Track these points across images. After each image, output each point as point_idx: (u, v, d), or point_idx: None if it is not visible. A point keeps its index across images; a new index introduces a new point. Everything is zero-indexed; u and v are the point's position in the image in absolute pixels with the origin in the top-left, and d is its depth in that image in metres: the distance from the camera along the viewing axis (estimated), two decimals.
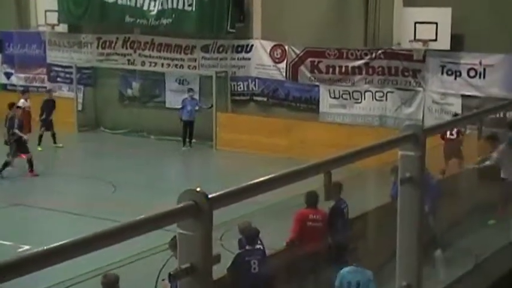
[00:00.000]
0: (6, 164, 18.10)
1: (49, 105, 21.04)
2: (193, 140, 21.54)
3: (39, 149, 20.52)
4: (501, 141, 12.69)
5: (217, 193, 2.57)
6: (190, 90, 21.62)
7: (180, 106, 21.38)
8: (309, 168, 3.18)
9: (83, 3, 22.69)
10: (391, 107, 19.78)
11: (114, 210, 14.74)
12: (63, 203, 16.10)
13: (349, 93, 20.30)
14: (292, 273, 9.83)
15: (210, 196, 2.50)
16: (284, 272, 9.85)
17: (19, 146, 18.10)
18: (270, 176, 2.90)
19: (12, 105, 19.24)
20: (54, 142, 21.00)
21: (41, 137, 20.81)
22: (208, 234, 2.48)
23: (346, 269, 8.83)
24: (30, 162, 18.15)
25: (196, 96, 21.95)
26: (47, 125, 20.89)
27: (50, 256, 2.21)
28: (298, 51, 20.80)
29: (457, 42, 18.47)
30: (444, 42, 18.34)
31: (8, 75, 25.44)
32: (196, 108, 21.33)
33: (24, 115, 19.63)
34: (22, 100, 20.36)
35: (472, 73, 18.76)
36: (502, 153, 12.23)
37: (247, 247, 9.32)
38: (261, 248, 9.42)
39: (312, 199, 10.13)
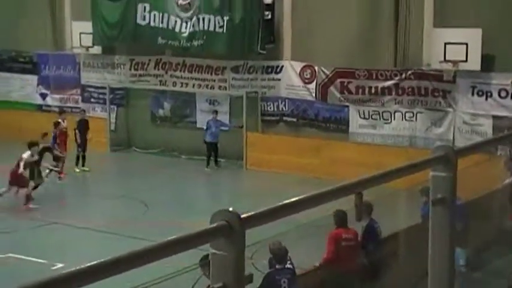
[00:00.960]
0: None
1: (83, 125, 21.24)
2: (222, 160, 21.61)
3: (77, 170, 20.70)
4: None
5: (250, 213, 2.58)
6: (214, 112, 21.73)
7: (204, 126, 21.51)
8: (340, 189, 3.18)
9: (117, 26, 22.97)
10: (421, 127, 19.66)
11: (147, 230, 14.82)
12: (97, 222, 16.23)
13: (379, 114, 20.23)
14: None
15: (242, 216, 2.51)
16: None
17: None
18: (301, 197, 2.90)
19: (57, 124, 19.89)
20: (83, 165, 21.06)
21: (78, 158, 20.95)
22: (241, 254, 2.48)
23: None
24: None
25: (225, 117, 22.05)
26: (83, 145, 21.02)
27: (84, 275, 2.23)
28: (327, 72, 20.80)
29: (488, 63, 18.34)
30: (474, 63, 18.23)
31: (43, 96, 25.78)
32: (223, 128, 21.41)
33: (60, 135, 19.94)
34: (59, 120, 20.57)
35: (503, 93, 18.60)
36: None
37: (277, 266, 9.30)
38: (291, 267, 9.40)
39: (342, 219, 10.11)
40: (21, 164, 17.23)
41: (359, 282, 9.81)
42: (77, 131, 21.01)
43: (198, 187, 20.57)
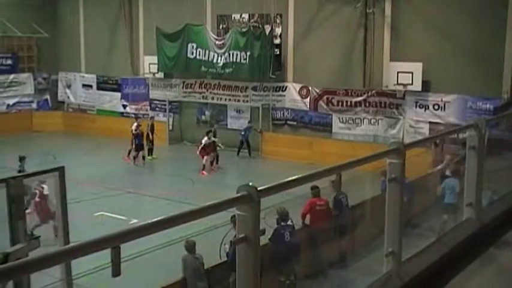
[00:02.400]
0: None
1: (152, 127, 21.20)
2: (246, 151, 21.65)
3: (149, 158, 20.64)
4: (447, 151, 12.36)
5: (264, 186, 2.59)
6: (249, 122, 21.66)
7: (241, 129, 21.53)
8: (325, 171, 3.18)
9: (174, 59, 22.97)
10: (381, 129, 19.52)
11: (193, 198, 14.87)
12: (160, 192, 16.28)
13: (353, 120, 20.10)
14: (311, 243, 9.76)
15: (259, 188, 2.52)
16: (305, 241, 9.79)
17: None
18: (299, 176, 2.91)
19: (138, 126, 19.82)
20: (151, 154, 21.03)
21: (149, 150, 20.79)
22: (257, 215, 2.50)
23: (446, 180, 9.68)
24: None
25: (247, 121, 22.10)
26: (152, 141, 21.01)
27: (152, 227, 2.26)
28: (318, 90, 20.69)
29: (426, 86, 18.18)
30: (417, 86, 18.11)
31: (124, 107, 25.92)
32: (252, 130, 21.40)
33: (136, 135, 19.85)
34: (135, 124, 20.36)
35: (436, 107, 18.42)
36: (448, 161, 11.85)
37: (281, 223, 9.29)
38: (291, 224, 9.39)
39: (316, 191, 10.13)
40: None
41: (330, 238, 9.77)
42: (149, 131, 20.94)
43: (229, 169, 20.57)
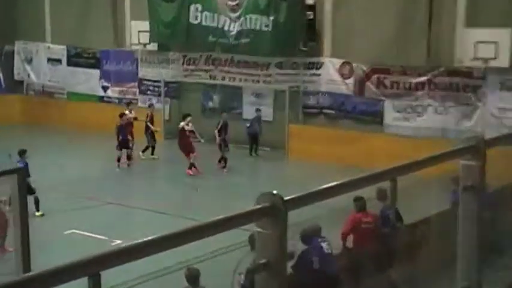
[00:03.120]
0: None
1: (151, 119, 21.26)
2: (267, 149, 21.76)
3: (152, 157, 20.91)
4: None
5: (292, 196, 2.59)
6: (258, 110, 21.84)
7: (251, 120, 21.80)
8: (374, 176, 3.17)
9: (171, 25, 23.10)
10: (452, 120, 19.38)
11: (197, 211, 14.93)
12: (152, 203, 16.41)
13: (412, 108, 20.00)
14: (353, 272, 9.74)
15: (285, 198, 2.52)
16: (346, 271, 9.77)
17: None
18: (338, 182, 2.90)
19: (122, 115, 20.06)
20: (152, 153, 21.17)
21: (148, 147, 20.99)
22: (284, 233, 2.50)
23: None
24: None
25: (269, 110, 22.31)
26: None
27: (143, 249, 2.27)
28: (364, 68, 20.64)
29: None
30: (503, 61, 17.90)
31: (104, 89, 26.13)
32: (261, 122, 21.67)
33: (126, 125, 20.10)
34: (127, 112, 20.67)
35: None
36: None
37: (309, 246, 9.29)
38: (322, 246, 9.37)
39: (361, 204, 10.14)
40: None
41: (378, 264, 9.74)
42: (149, 123, 21.04)
43: (244, 173, 20.64)
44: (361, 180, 3.05)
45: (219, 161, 19.85)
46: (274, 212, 2.49)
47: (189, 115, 19.92)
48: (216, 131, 20.03)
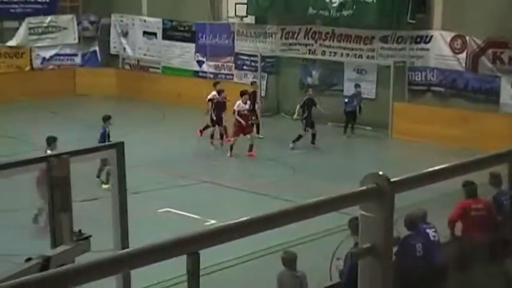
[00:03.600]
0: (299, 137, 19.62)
1: (253, 98, 20.76)
2: (369, 128, 21.67)
3: (261, 136, 20.92)
4: None
5: (399, 178, 2.57)
6: (357, 86, 21.60)
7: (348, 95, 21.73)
8: (488, 159, 3.08)
9: None
10: None
11: (294, 192, 15.01)
12: (247, 183, 16.63)
13: None
14: (463, 262, 9.54)
15: (392, 180, 2.50)
16: (454, 260, 9.59)
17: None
18: (449, 165, 2.84)
19: (220, 92, 19.86)
20: (258, 132, 21.03)
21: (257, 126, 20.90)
22: (390, 217, 2.48)
23: None
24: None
25: (372, 86, 22.12)
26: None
27: (239, 229, 2.32)
28: (479, 42, 19.99)
29: None
30: None
31: (200, 63, 26.57)
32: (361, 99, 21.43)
33: (224, 103, 19.93)
34: (214, 92, 20.15)
35: None
36: None
37: (413, 232, 9.17)
38: (429, 232, 9.22)
39: (471, 190, 9.86)
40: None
41: (491, 253, 9.48)
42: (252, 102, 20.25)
43: (344, 154, 20.53)
44: (473, 163, 2.98)
45: (294, 141, 19.64)
46: (380, 194, 2.48)
47: (217, 82, 20.54)
48: (298, 107, 19.93)
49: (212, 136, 19.97)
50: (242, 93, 19.38)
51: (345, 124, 21.41)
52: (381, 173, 2.53)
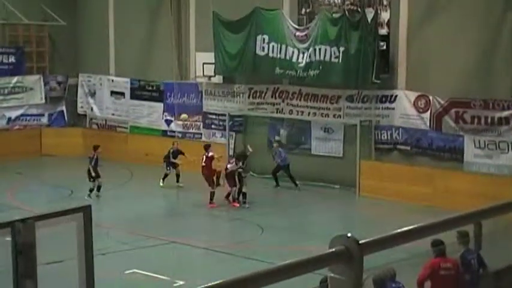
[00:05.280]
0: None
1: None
2: (336, 186, 21.84)
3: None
4: None
5: (368, 239, 2.58)
6: (277, 142, 22.77)
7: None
8: (457, 219, 3.11)
9: (237, 57, 23.41)
10: None
11: (263, 252, 14.90)
12: (215, 242, 16.48)
13: (496, 144, 19.54)
14: None
15: (361, 242, 2.51)
16: None
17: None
18: (418, 225, 2.86)
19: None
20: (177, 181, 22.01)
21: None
22: (359, 279, 2.48)
23: None
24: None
25: (339, 145, 22.45)
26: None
27: None
28: (442, 102, 20.35)
29: None
30: None
31: (168, 123, 26.60)
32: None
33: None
34: (211, 153, 20.61)
35: None
36: None
37: None
38: None
39: (440, 249, 9.87)
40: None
41: None
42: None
43: (311, 213, 20.52)
44: (441, 223, 3.01)
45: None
46: (349, 256, 2.48)
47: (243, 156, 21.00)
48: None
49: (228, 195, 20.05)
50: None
51: (275, 174, 22.19)
52: (349, 234, 2.54)
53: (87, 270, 3.34)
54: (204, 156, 20.29)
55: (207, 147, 20.75)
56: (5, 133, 27.01)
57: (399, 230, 2.78)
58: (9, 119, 27.56)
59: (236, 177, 19.94)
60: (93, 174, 20.64)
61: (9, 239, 3.24)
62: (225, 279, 2.37)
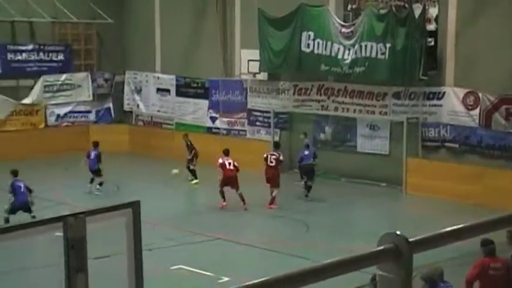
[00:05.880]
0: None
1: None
2: (382, 184, 21.64)
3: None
4: None
5: (418, 237, 2.55)
6: (304, 133, 22.54)
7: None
8: (508, 218, 3.06)
9: (282, 54, 23.42)
10: None
11: (309, 249, 14.89)
12: (260, 239, 16.52)
13: None
14: None
15: (410, 240, 2.49)
16: None
17: None
18: (469, 224, 2.82)
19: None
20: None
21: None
22: (408, 278, 2.46)
23: None
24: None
25: (385, 142, 22.20)
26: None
27: None
28: (492, 99, 20.04)
29: None
30: None
31: (213, 120, 26.75)
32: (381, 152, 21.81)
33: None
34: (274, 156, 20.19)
35: None
36: None
37: None
38: None
39: (489, 248, 9.73)
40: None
41: None
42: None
43: (356, 211, 20.43)
44: (493, 222, 2.96)
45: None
46: (398, 254, 2.47)
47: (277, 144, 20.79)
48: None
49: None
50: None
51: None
52: (398, 232, 2.52)
53: (136, 265, 3.38)
54: (229, 162, 19.36)
55: (226, 152, 19.74)
56: (53, 129, 27.51)
57: (449, 229, 2.74)
58: (58, 115, 28.07)
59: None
60: (100, 171, 21.05)
61: (58, 234, 3.30)
62: (272, 276, 2.38)
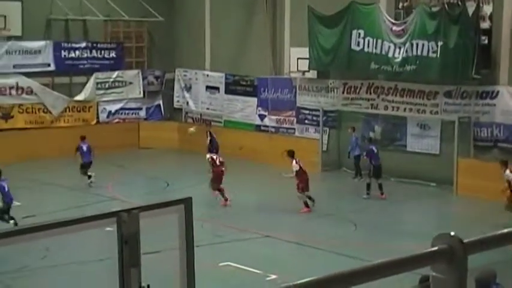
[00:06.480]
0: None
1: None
2: (433, 184, 21.38)
3: None
4: None
5: (473, 239, 2.52)
6: (352, 128, 22.84)
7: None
8: None
9: (332, 52, 23.31)
10: None
11: (356, 248, 14.81)
12: (308, 237, 16.50)
13: None
14: None
15: (465, 241, 2.46)
16: None
17: None
18: None
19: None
20: None
21: None
22: (463, 280, 2.43)
23: None
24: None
25: (436, 142, 22.02)
26: None
27: None
28: None
29: None
30: None
31: (261, 117, 26.79)
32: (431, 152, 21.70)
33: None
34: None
35: None
36: None
37: None
38: None
39: None
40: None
41: None
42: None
43: (405, 210, 20.21)
44: None
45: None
46: (452, 255, 2.43)
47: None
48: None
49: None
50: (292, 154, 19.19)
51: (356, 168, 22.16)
52: (452, 233, 2.48)
53: (187, 261, 3.42)
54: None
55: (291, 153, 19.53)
56: (105, 126, 27.90)
57: (505, 230, 2.70)
58: (110, 112, 28.47)
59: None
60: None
61: (109, 229, 3.35)
62: (322, 275, 2.37)
